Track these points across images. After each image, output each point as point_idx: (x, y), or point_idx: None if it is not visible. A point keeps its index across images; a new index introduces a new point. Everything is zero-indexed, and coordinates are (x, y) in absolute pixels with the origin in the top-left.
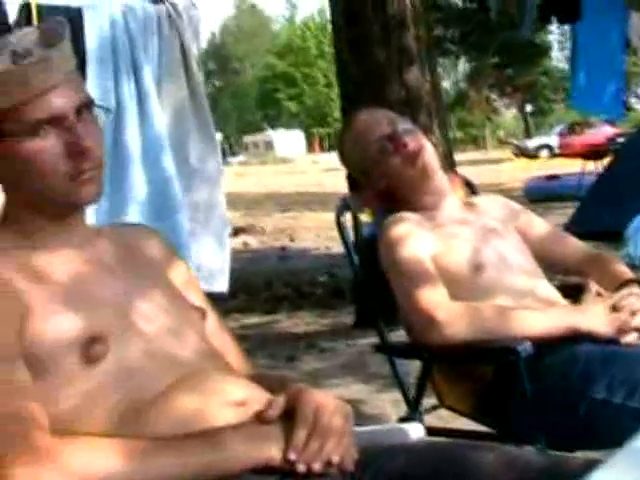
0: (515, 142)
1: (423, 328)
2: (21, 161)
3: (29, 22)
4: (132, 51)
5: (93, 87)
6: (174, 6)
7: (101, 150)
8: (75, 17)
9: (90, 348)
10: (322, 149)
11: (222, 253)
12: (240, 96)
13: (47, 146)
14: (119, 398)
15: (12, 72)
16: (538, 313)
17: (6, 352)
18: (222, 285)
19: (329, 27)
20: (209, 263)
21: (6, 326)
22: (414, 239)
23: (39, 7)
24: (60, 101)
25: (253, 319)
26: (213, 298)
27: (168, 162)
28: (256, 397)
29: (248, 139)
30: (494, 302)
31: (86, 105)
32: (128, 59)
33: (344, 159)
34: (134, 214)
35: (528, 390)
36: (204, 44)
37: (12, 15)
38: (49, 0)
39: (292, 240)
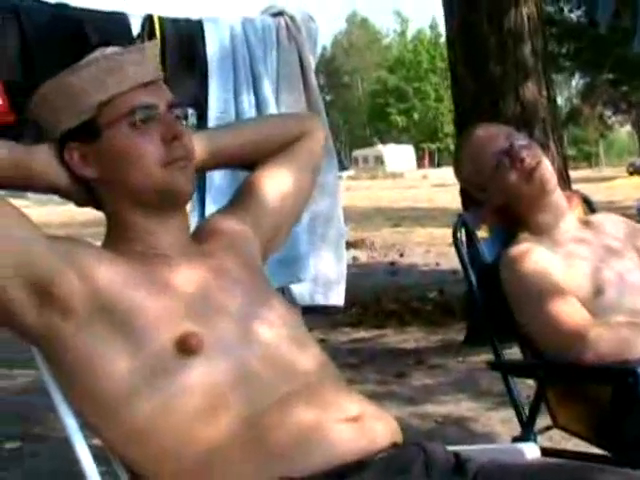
0: None
1: (574, 346)
2: (119, 151)
3: (151, 35)
4: (251, 62)
5: (214, 97)
6: (292, 19)
7: (192, 145)
8: (196, 29)
9: (186, 341)
10: (432, 164)
11: (339, 265)
12: (350, 110)
13: (142, 133)
14: (237, 401)
15: (109, 64)
16: None
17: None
18: (339, 298)
19: (441, 41)
20: (326, 275)
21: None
22: (539, 258)
23: (161, 20)
24: (153, 95)
25: (362, 333)
26: (327, 311)
27: None
28: (370, 412)
29: (358, 153)
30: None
31: (175, 105)
32: (247, 70)
33: (460, 174)
34: None
35: None
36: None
37: (135, 28)
38: (170, 13)
39: (402, 255)
